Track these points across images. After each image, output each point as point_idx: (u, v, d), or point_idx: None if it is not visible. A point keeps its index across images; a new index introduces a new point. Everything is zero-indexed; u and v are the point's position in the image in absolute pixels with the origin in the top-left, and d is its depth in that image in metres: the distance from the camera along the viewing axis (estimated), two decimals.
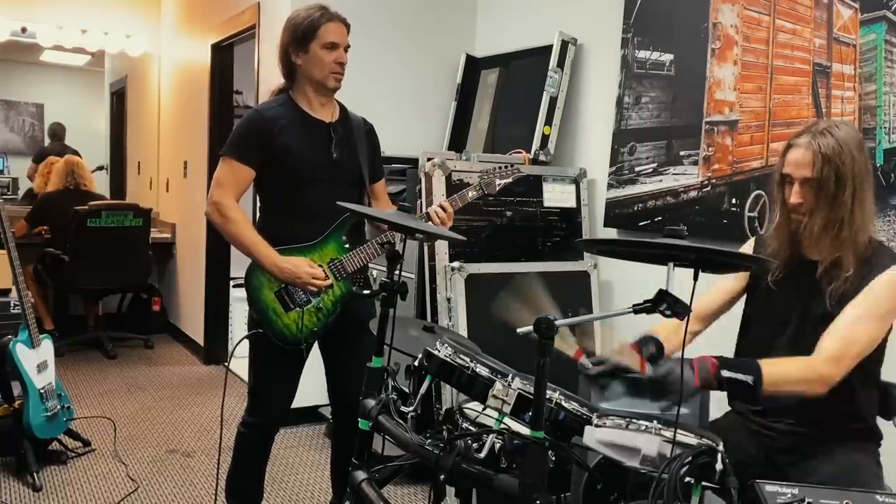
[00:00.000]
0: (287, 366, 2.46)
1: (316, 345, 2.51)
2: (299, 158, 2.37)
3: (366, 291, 2.44)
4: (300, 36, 2.39)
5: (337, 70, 2.39)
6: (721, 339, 2.06)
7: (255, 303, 2.39)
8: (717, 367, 1.61)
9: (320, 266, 2.37)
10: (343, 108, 2.54)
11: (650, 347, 1.74)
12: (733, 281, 2.07)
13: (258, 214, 2.53)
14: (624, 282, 3.33)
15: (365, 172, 2.49)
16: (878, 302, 1.76)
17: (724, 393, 2.12)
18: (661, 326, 1.88)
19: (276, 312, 2.37)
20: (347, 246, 2.42)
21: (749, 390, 1.64)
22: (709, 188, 2.92)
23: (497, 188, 2.53)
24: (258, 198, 2.52)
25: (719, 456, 1.33)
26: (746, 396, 1.75)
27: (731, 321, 2.09)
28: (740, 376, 1.62)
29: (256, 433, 2.52)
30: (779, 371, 1.68)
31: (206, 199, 2.40)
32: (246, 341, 2.44)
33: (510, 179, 2.55)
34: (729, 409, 2.10)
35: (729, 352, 2.05)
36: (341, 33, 2.40)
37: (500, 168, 2.55)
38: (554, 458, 1.50)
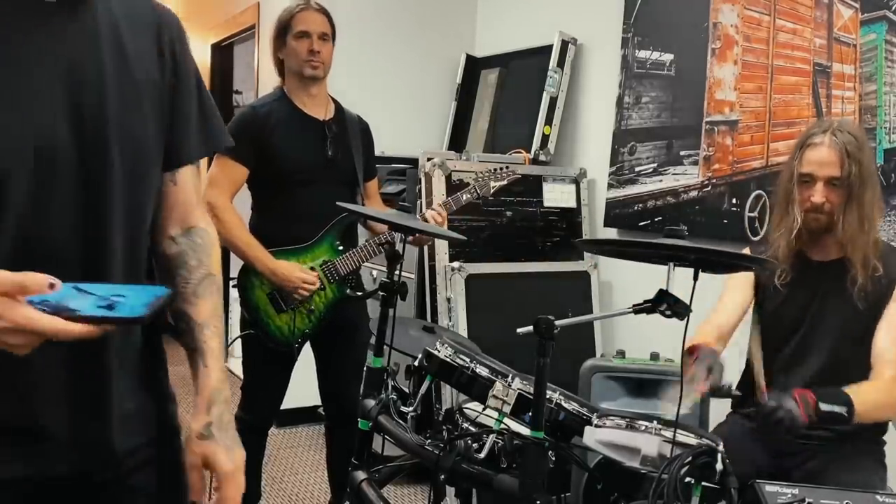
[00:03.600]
0: (277, 365, 2.46)
1: (308, 345, 2.51)
2: (293, 157, 2.37)
3: (359, 293, 2.44)
4: (279, 31, 2.42)
5: (309, 58, 2.37)
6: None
7: (248, 304, 2.40)
8: (816, 402, 1.63)
9: (312, 269, 2.37)
10: (338, 106, 2.53)
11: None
12: (741, 293, 2.04)
13: (251, 213, 2.52)
14: (624, 282, 3.32)
15: (359, 171, 2.48)
16: None
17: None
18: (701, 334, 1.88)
19: (268, 314, 2.37)
20: (341, 248, 2.42)
21: (843, 420, 1.66)
22: (709, 188, 2.92)
23: (492, 190, 2.54)
24: (252, 197, 2.51)
25: (719, 456, 1.33)
26: (839, 425, 1.76)
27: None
28: (836, 408, 1.65)
29: (249, 430, 2.52)
30: (865, 398, 1.70)
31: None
32: (239, 340, 2.46)
33: (505, 182, 2.55)
34: (731, 411, 2.10)
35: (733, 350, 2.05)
36: (313, 21, 2.38)
37: (494, 170, 2.55)
38: (554, 458, 1.49)
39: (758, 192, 2.73)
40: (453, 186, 3.02)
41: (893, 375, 1.74)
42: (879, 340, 1.79)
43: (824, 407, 1.63)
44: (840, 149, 1.78)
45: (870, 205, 1.80)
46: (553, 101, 3.53)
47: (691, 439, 1.38)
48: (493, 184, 2.53)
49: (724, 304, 2.06)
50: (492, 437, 1.47)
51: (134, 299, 0.84)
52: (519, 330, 1.41)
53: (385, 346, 1.74)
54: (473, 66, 4.15)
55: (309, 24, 2.37)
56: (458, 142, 4.08)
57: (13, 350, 0.81)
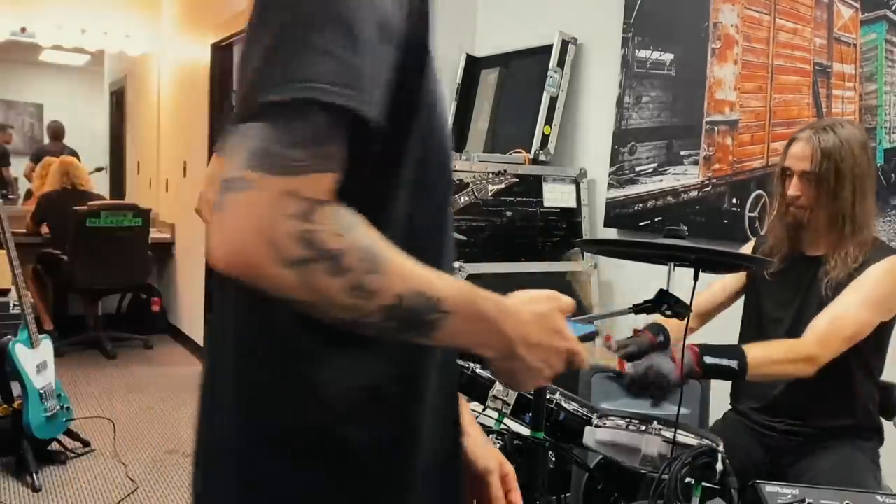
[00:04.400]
0: None
1: None
2: None
3: None
4: None
5: None
6: (723, 335, 2.06)
7: None
8: (699, 356, 1.60)
9: None
10: None
11: (636, 345, 1.72)
12: (732, 279, 2.07)
13: None
14: (624, 282, 3.32)
15: None
16: (871, 288, 1.77)
17: (726, 394, 2.13)
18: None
19: None
20: None
21: (734, 374, 1.64)
22: (709, 188, 2.92)
23: (490, 194, 2.56)
24: None
25: (719, 456, 1.33)
26: (733, 380, 1.74)
27: (734, 318, 2.09)
28: (724, 362, 1.62)
29: None
30: (763, 353, 1.69)
31: (198, 196, 2.38)
32: None
33: (502, 185, 2.58)
34: (730, 408, 2.10)
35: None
36: None
37: (492, 175, 2.57)
38: (554, 458, 1.49)
39: (758, 192, 2.73)
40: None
41: (818, 337, 1.73)
42: (830, 304, 1.79)
43: (709, 360, 1.60)
44: (814, 144, 1.80)
45: (846, 202, 1.79)
46: (553, 101, 3.53)
47: (691, 439, 1.38)
48: (490, 187, 2.55)
49: (711, 285, 2.08)
50: (492, 437, 1.47)
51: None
52: None
53: None
54: (473, 66, 4.15)
55: None
56: (457, 141, 4.08)
57: (547, 374, 0.79)
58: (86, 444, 3.60)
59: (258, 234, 0.63)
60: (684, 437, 1.38)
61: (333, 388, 0.75)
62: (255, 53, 0.69)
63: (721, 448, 1.36)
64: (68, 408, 3.43)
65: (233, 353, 0.78)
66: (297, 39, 0.67)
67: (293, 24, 0.68)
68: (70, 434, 3.53)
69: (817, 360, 1.71)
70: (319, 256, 0.65)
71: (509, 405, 1.47)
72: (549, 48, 3.54)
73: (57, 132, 6.83)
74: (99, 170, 6.78)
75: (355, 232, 0.67)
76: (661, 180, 3.11)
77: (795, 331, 1.86)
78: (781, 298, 1.93)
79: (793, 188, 1.85)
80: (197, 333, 5.47)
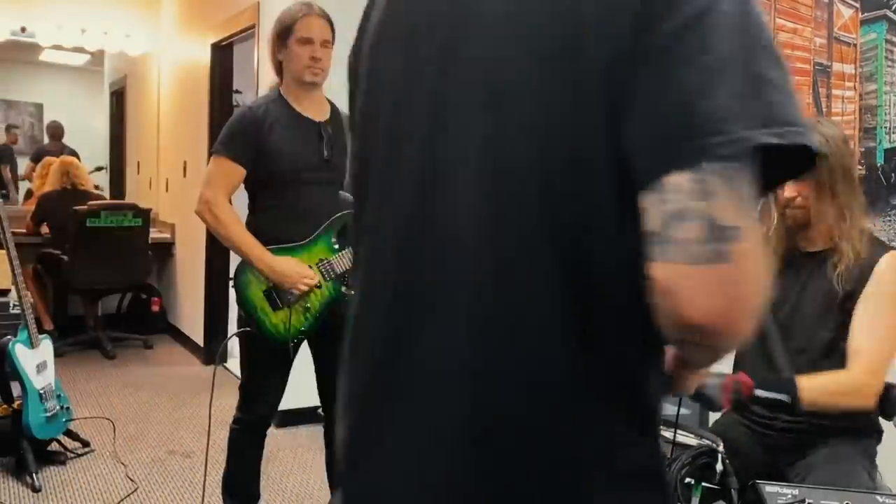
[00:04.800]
0: (276, 363, 2.46)
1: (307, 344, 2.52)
2: (290, 158, 2.37)
3: (353, 292, 2.44)
4: (281, 32, 2.41)
5: (311, 64, 2.37)
6: None
7: (244, 301, 2.40)
8: (751, 389, 1.64)
9: (309, 267, 2.37)
10: (334, 108, 2.53)
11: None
12: None
13: (248, 214, 2.52)
14: None
15: None
16: (887, 295, 1.80)
17: None
18: None
19: (264, 311, 2.37)
20: (337, 247, 2.42)
21: (787, 408, 1.68)
22: None
23: None
24: (248, 196, 2.51)
25: (719, 456, 1.33)
26: (785, 412, 1.79)
27: None
28: (776, 395, 1.66)
29: (247, 429, 2.53)
30: (818, 387, 1.72)
31: (198, 197, 2.39)
32: (236, 339, 2.46)
33: None
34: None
35: None
36: (318, 27, 2.39)
37: None
38: None
39: None
40: None
41: (867, 369, 1.76)
42: (855, 335, 1.81)
43: (761, 394, 1.65)
44: None
45: (846, 195, 1.84)
46: None
47: (691, 439, 1.38)
48: None
49: None
50: None
51: None
52: None
53: None
54: None
55: (312, 31, 2.37)
56: None
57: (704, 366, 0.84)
58: (85, 444, 3.60)
59: (752, 286, 0.64)
60: (684, 437, 1.38)
61: (654, 419, 0.77)
62: (694, 78, 0.64)
63: (721, 448, 1.36)
64: (68, 408, 3.43)
65: (562, 392, 0.73)
66: (757, 74, 0.64)
67: (742, 54, 0.65)
68: (70, 434, 3.54)
69: (870, 388, 1.75)
70: (755, 303, 0.65)
71: None
72: None
73: (57, 132, 6.83)
74: (99, 170, 6.78)
75: None
76: None
77: (791, 322, 1.89)
78: (778, 297, 1.94)
79: (788, 190, 1.87)
80: (197, 333, 5.46)
